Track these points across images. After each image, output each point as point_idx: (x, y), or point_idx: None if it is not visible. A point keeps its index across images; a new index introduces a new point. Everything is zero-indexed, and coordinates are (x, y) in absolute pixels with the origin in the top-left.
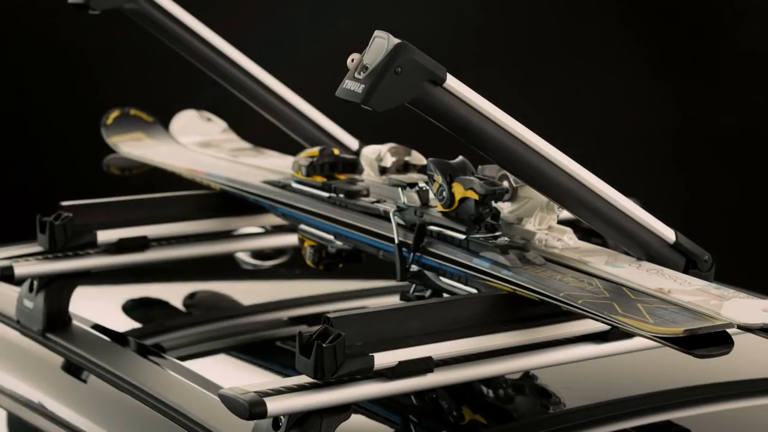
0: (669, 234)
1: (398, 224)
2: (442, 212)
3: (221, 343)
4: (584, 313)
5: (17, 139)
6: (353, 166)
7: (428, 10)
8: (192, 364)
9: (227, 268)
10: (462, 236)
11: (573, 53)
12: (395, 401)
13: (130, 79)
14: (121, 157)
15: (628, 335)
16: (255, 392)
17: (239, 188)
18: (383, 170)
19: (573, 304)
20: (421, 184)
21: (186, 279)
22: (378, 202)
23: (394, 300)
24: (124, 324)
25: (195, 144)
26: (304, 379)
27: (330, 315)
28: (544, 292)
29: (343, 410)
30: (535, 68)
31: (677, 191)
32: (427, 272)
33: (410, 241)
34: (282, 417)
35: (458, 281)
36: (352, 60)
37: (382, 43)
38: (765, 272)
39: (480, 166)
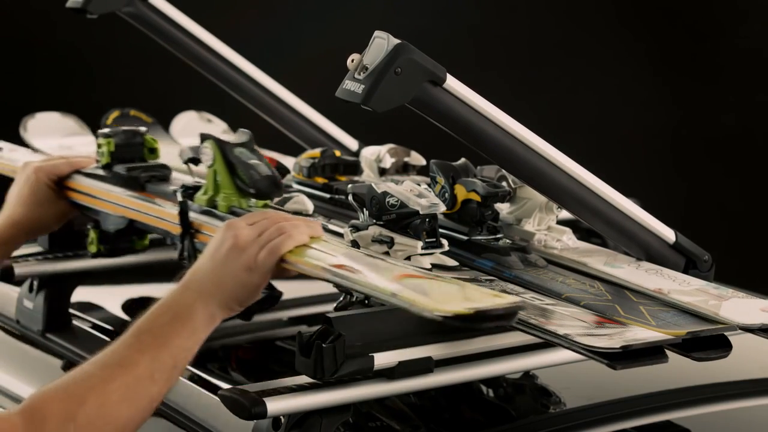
0: (669, 234)
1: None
2: (444, 214)
3: (221, 343)
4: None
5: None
6: (354, 167)
7: (427, 10)
8: (192, 364)
9: None
10: (464, 238)
11: (572, 53)
12: (395, 401)
13: (130, 79)
14: None
15: None
16: (255, 392)
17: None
18: (383, 171)
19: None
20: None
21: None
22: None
23: None
24: (124, 324)
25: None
26: (304, 379)
27: (330, 315)
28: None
29: (343, 410)
30: (534, 68)
31: (677, 191)
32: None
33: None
34: (282, 417)
35: None
36: (352, 60)
37: (381, 43)
38: (765, 272)
39: (479, 167)
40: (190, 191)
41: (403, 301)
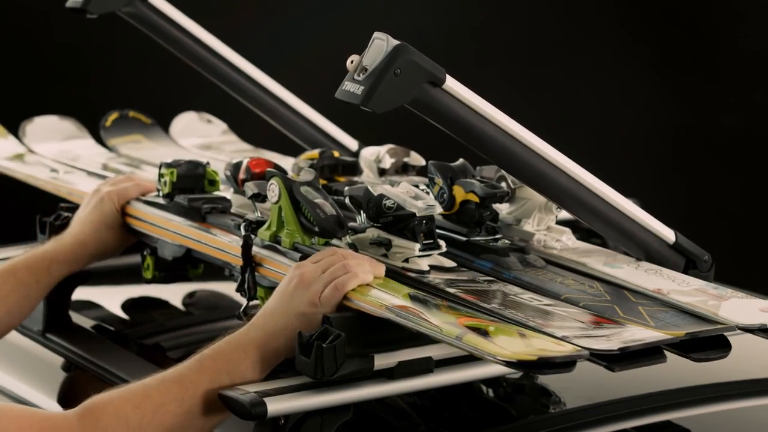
0: (669, 234)
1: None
2: (442, 215)
3: None
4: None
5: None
6: (353, 168)
7: (427, 11)
8: None
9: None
10: (463, 238)
11: (572, 53)
12: (395, 401)
13: (129, 80)
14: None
15: None
16: (255, 392)
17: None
18: (382, 172)
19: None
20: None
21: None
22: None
23: None
24: (124, 324)
25: (195, 146)
26: (304, 379)
27: (330, 315)
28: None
29: (343, 410)
30: (534, 69)
31: (677, 191)
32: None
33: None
34: (282, 417)
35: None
36: (352, 61)
37: (381, 44)
38: (765, 272)
39: (478, 167)
40: (253, 225)
41: (468, 344)
